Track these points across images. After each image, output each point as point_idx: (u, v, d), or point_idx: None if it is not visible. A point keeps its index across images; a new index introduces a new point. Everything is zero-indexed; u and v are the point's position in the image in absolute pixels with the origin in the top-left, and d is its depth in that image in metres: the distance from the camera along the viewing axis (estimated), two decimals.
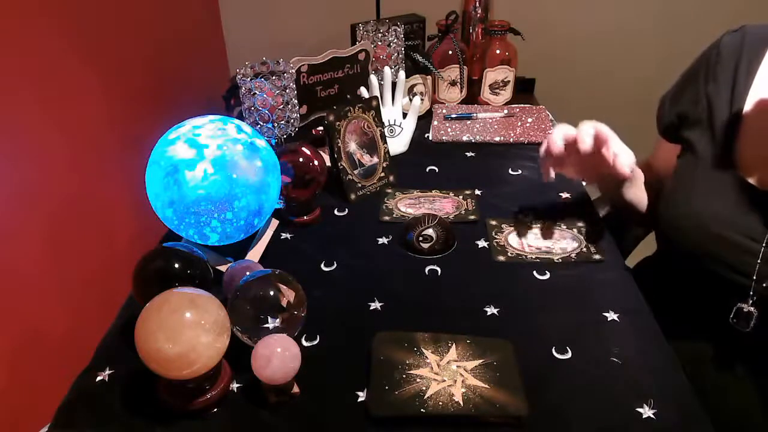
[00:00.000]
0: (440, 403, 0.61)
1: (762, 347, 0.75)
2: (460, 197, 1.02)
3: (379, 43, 1.18)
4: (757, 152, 0.75)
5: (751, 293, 0.73)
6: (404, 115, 1.19)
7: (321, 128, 1.15)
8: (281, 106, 0.97)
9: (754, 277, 0.72)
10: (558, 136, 0.80)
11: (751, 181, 0.75)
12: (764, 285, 0.72)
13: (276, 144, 1.00)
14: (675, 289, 0.87)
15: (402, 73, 1.17)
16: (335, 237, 0.93)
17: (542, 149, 0.84)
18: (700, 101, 0.81)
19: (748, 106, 0.77)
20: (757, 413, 0.77)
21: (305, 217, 0.96)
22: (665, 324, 0.75)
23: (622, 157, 0.78)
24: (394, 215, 0.98)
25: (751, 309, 0.73)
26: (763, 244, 0.71)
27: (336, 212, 1.00)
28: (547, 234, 0.91)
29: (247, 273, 0.68)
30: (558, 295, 0.80)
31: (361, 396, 0.64)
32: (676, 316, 0.84)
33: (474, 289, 0.81)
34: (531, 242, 0.90)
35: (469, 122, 1.31)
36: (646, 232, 1.08)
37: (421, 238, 0.88)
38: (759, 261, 0.72)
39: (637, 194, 0.92)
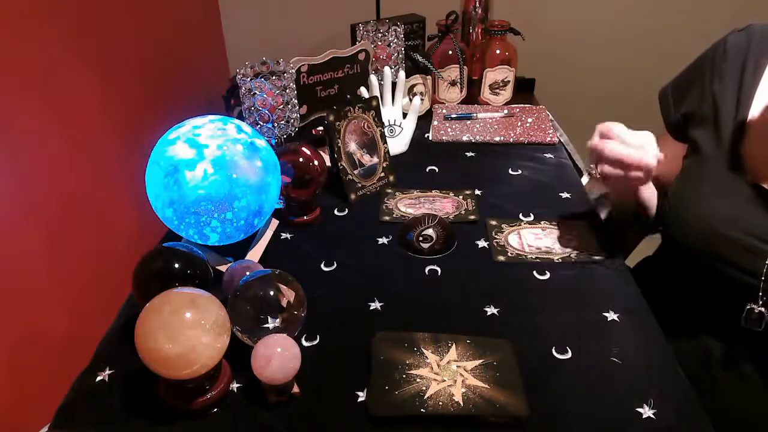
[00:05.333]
0: (440, 403, 0.61)
1: None
2: (460, 197, 1.02)
3: (379, 43, 1.18)
4: (765, 152, 0.74)
5: (761, 293, 0.72)
6: (404, 115, 1.19)
7: (321, 128, 1.15)
8: (281, 106, 0.97)
9: (762, 278, 0.71)
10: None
11: (759, 181, 0.74)
12: None
13: (276, 144, 1.00)
14: (679, 289, 0.86)
15: (402, 73, 1.17)
16: (335, 237, 0.93)
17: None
18: (705, 100, 0.81)
19: (755, 105, 0.76)
20: (765, 412, 0.76)
21: (305, 217, 0.96)
22: (667, 323, 0.74)
23: (645, 151, 0.74)
24: (394, 215, 0.98)
25: (762, 310, 0.72)
26: None
27: (336, 212, 1.00)
28: (547, 234, 0.92)
29: (247, 273, 0.68)
30: (558, 295, 0.80)
31: (361, 396, 0.64)
32: (680, 316, 0.83)
33: (474, 289, 0.81)
34: (531, 242, 0.90)
35: (469, 122, 1.31)
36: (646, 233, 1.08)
37: (421, 238, 0.88)
38: (767, 261, 0.71)
39: (652, 192, 0.89)
